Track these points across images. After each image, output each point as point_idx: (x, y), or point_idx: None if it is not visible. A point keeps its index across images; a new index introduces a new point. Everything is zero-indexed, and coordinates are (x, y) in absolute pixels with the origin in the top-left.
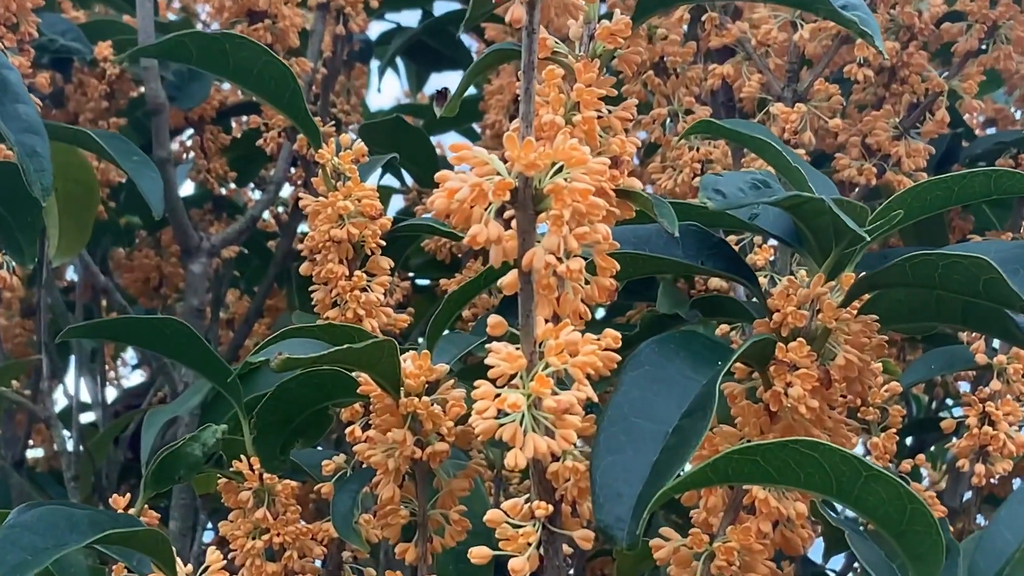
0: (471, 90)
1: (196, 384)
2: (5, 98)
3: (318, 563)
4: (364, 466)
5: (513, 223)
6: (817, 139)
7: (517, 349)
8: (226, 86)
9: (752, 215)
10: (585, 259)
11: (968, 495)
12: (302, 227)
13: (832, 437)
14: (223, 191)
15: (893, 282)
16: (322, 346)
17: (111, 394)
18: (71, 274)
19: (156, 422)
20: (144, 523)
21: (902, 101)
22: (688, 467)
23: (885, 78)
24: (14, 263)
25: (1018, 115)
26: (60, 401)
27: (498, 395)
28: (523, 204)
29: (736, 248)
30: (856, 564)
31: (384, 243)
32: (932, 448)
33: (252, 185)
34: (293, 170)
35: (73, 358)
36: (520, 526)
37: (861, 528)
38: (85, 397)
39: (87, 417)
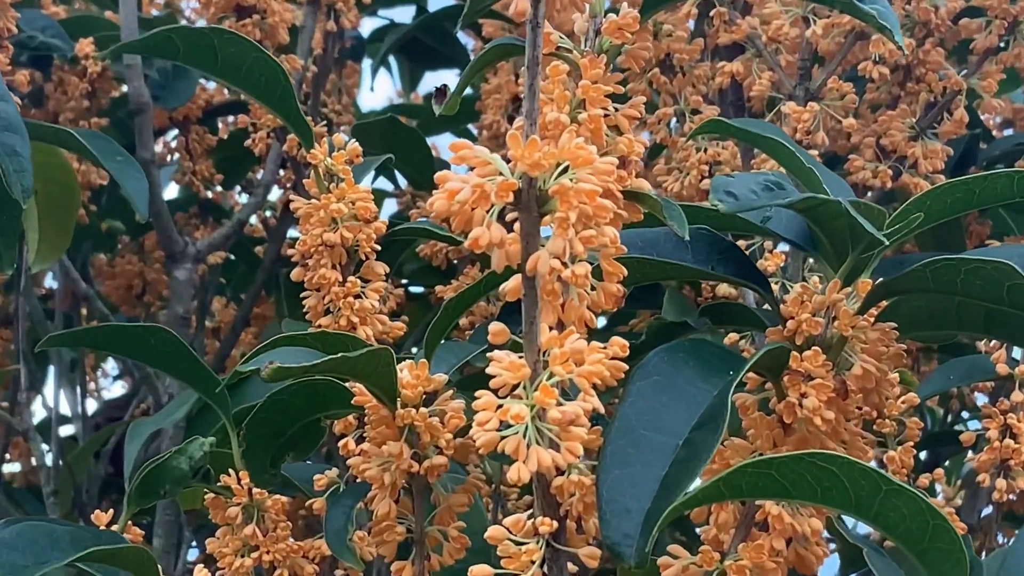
0: (467, 90)
1: (181, 395)
2: None
3: None
4: (358, 481)
5: (516, 226)
6: (829, 140)
7: (520, 358)
8: (212, 85)
9: (764, 218)
10: (591, 264)
11: (987, 511)
12: (292, 232)
13: (848, 450)
14: (209, 194)
15: (912, 288)
16: (315, 355)
17: (91, 406)
18: (50, 281)
19: (139, 435)
20: (128, 540)
21: (919, 100)
22: (698, 482)
23: (900, 77)
24: None
25: None
26: (38, 413)
27: (500, 406)
28: (527, 206)
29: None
30: None
31: (379, 247)
32: (947, 463)
33: (239, 188)
34: (282, 172)
35: (52, 368)
36: (523, 543)
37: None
38: (64, 409)
39: (67, 430)
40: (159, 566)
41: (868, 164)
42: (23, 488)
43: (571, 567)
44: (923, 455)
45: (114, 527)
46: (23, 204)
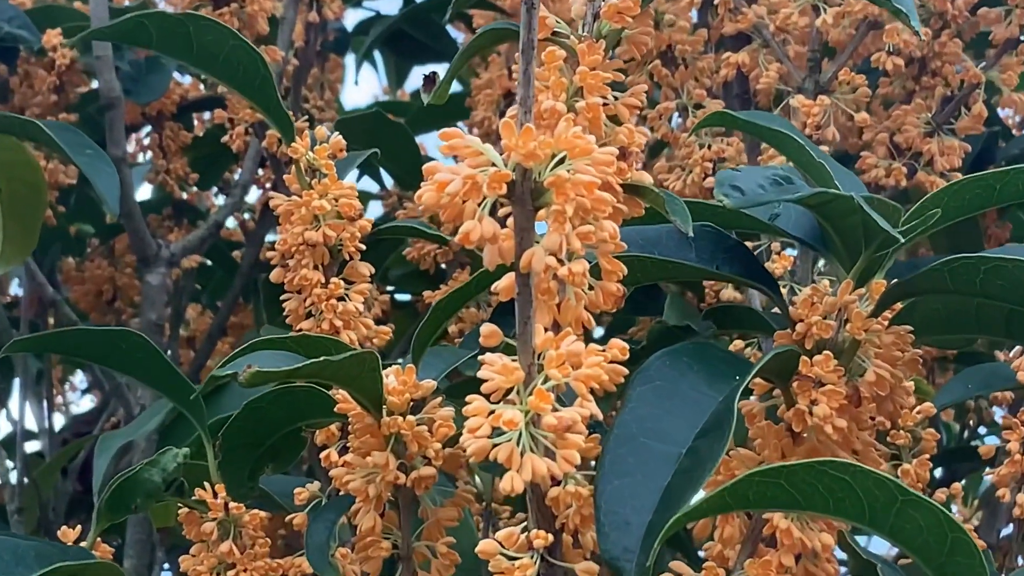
0: (456, 86)
1: (154, 406)
2: None
3: None
4: (341, 494)
5: (509, 220)
6: (839, 137)
7: (513, 361)
8: (187, 79)
9: (772, 215)
10: (588, 262)
11: (1007, 530)
12: (271, 236)
13: (861, 461)
14: (184, 195)
15: (929, 289)
16: (295, 359)
17: (59, 421)
18: (15, 287)
19: (109, 447)
20: (97, 557)
21: (935, 95)
22: (702, 493)
23: (915, 70)
24: None
25: None
26: (3, 428)
27: (492, 411)
28: (521, 199)
29: None
30: None
31: (363, 247)
32: (963, 481)
33: (216, 189)
34: (261, 171)
35: (17, 381)
36: (516, 558)
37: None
38: (30, 424)
39: (32, 446)
40: None
41: (881, 162)
42: None
43: None
44: (938, 472)
45: (82, 544)
46: None
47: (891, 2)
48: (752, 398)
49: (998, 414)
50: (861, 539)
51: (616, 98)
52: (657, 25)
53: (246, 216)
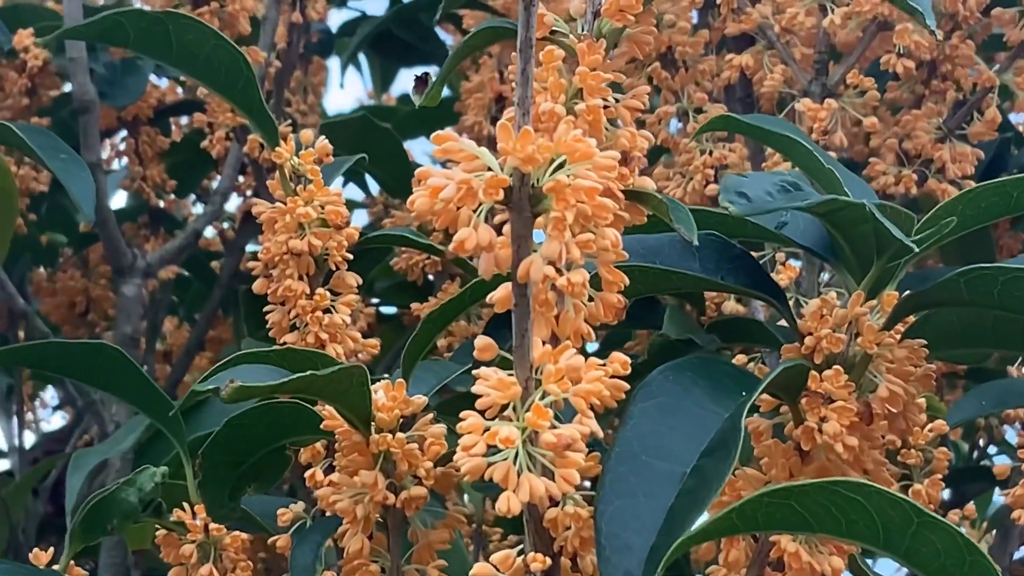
0: (444, 90)
1: (129, 423)
2: None
3: None
4: (327, 515)
5: (505, 228)
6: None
7: (510, 375)
8: (165, 82)
9: (779, 224)
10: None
11: (1020, 553)
12: (251, 246)
13: (872, 481)
14: (161, 202)
15: (945, 301)
16: (279, 373)
17: (29, 439)
18: None
19: (83, 465)
20: None
21: (946, 99)
22: (706, 515)
23: (924, 73)
24: None
25: None
26: None
27: (488, 429)
28: (518, 205)
29: None
30: None
31: (351, 256)
32: (971, 503)
33: (194, 197)
34: (241, 178)
35: None
36: None
37: None
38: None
39: (1, 465)
40: None
41: (890, 168)
42: None
43: None
44: (946, 493)
45: (55, 567)
46: None
47: (907, 1)
48: (758, 415)
49: (1009, 433)
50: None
51: (617, 100)
52: (657, 26)
53: (225, 225)
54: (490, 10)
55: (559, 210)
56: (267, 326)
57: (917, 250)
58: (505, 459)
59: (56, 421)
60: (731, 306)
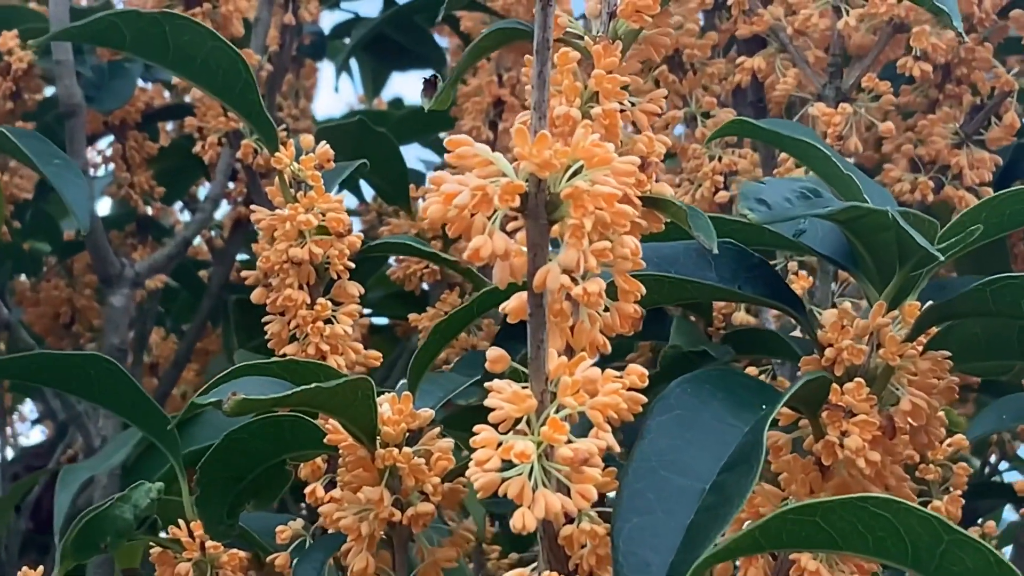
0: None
1: (118, 438)
2: None
3: None
4: (329, 532)
5: (519, 236)
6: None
7: (524, 388)
8: (152, 85)
9: (797, 231)
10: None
11: None
12: (241, 255)
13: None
14: (149, 209)
15: (970, 311)
16: (282, 385)
17: (8, 454)
18: None
19: (72, 482)
20: None
21: (963, 103)
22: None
23: (938, 77)
24: None
25: None
26: None
27: (501, 443)
28: (534, 212)
29: None
30: None
31: (352, 265)
32: (980, 520)
33: (181, 204)
34: (232, 185)
35: None
36: None
37: None
38: None
39: None
40: None
41: (906, 175)
42: None
43: None
44: None
45: None
46: None
47: (933, 1)
48: (777, 429)
49: (1022, 448)
50: None
51: (633, 103)
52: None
53: (212, 233)
54: (489, 11)
55: (577, 217)
56: (262, 337)
57: (942, 258)
58: (520, 474)
59: (36, 435)
60: (741, 316)
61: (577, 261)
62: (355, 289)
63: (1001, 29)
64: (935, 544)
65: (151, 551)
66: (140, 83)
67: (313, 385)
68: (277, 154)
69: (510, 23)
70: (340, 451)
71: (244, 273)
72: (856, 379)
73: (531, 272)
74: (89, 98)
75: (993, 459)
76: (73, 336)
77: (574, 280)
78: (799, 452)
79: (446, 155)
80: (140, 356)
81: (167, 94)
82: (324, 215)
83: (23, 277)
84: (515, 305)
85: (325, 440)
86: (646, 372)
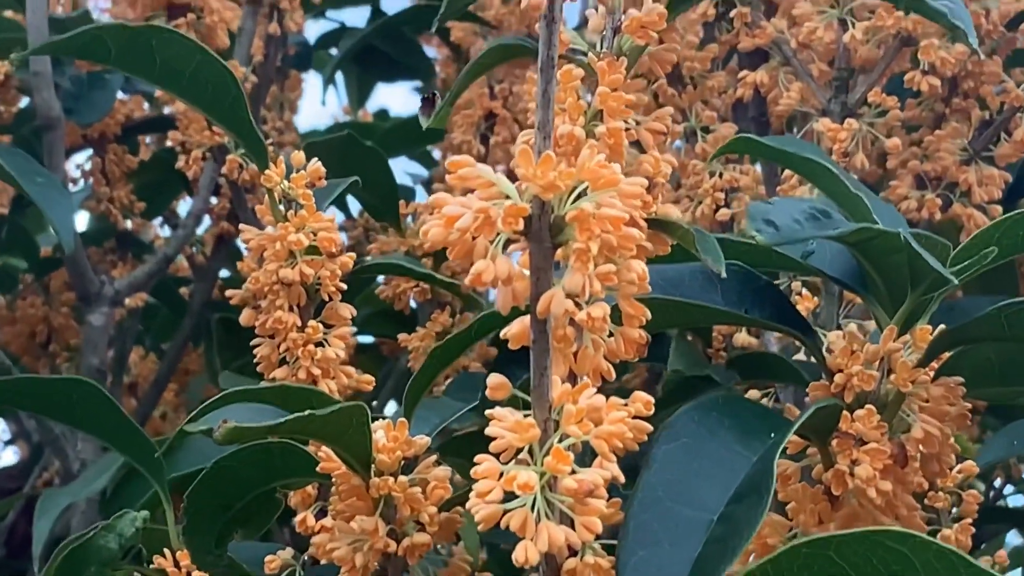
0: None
1: (99, 462)
2: None
3: None
4: (322, 563)
5: (522, 259)
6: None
7: (527, 416)
8: (131, 97)
9: (805, 253)
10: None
11: None
12: (224, 271)
13: (904, 527)
14: (128, 224)
15: (984, 336)
16: (274, 412)
17: None
18: None
19: (52, 508)
20: None
21: (971, 118)
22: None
23: (945, 91)
24: None
25: None
26: None
27: (503, 473)
28: (538, 235)
29: None
30: None
31: (344, 286)
32: (983, 546)
33: (161, 220)
34: (214, 200)
35: None
36: None
37: None
38: None
39: None
40: None
41: (913, 193)
42: None
43: None
44: None
45: None
46: None
47: (947, 17)
48: (785, 457)
49: None
50: None
51: (638, 122)
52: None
53: (194, 250)
54: (481, 21)
55: (583, 241)
56: (246, 357)
57: (956, 282)
58: (522, 506)
59: (8, 456)
60: (743, 338)
61: (582, 286)
62: (347, 311)
63: (1010, 41)
64: None
65: None
66: (120, 95)
67: (307, 412)
68: (267, 172)
69: (512, 40)
70: (333, 479)
71: (228, 292)
72: (867, 406)
73: (534, 297)
74: (68, 110)
75: (998, 483)
76: (50, 356)
77: (578, 305)
78: (807, 481)
79: (447, 176)
80: (119, 376)
81: (147, 106)
82: (315, 234)
83: None
84: (517, 331)
85: (318, 468)
86: (652, 400)
